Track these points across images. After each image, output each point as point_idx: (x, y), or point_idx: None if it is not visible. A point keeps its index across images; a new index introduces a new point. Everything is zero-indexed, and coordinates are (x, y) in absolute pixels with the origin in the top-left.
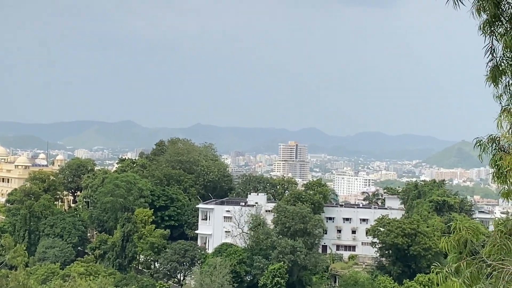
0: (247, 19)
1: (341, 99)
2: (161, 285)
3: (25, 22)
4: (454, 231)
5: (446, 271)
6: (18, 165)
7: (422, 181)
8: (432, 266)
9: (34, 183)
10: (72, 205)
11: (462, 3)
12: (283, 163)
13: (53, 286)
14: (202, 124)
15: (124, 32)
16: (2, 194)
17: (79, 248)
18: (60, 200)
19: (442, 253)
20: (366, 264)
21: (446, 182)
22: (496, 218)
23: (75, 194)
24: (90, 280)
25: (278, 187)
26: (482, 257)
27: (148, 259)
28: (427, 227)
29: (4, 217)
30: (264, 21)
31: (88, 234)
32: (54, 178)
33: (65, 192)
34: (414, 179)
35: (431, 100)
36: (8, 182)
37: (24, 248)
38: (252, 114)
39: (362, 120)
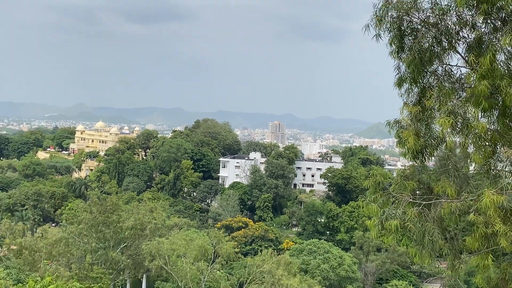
0: (245, 42)
1: (307, 97)
2: (197, 206)
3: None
4: (372, 176)
5: (368, 200)
6: (111, 133)
7: (354, 146)
8: (359, 197)
9: (121, 144)
10: (144, 157)
11: (381, 38)
12: (271, 134)
13: (132, 205)
14: (223, 110)
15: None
16: (102, 151)
17: (148, 183)
18: (137, 155)
19: (366, 190)
20: (319, 195)
21: (369, 147)
22: (398, 169)
23: (146, 151)
24: (155, 202)
25: (267, 148)
26: (390, 192)
27: (190, 190)
28: (357, 174)
29: (103, 164)
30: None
31: (154, 175)
32: (133, 141)
33: (140, 150)
34: (349, 145)
35: (363, 97)
36: (105, 143)
37: (115, 182)
38: (253, 104)
39: (319, 108)
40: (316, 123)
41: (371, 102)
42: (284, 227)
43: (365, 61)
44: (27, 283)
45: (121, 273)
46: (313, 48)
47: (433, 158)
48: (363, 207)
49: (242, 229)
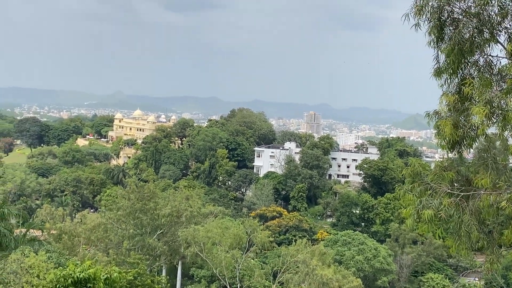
0: (279, 31)
1: (343, 86)
2: (232, 195)
3: None
4: (410, 166)
5: (405, 189)
6: (148, 122)
7: (391, 137)
8: (396, 186)
9: (158, 132)
10: (180, 146)
11: (420, 28)
12: (306, 124)
13: (168, 193)
14: (258, 100)
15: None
16: (139, 139)
17: (184, 171)
18: (173, 143)
19: (402, 181)
20: (355, 186)
21: (406, 138)
22: (436, 160)
23: (182, 139)
24: (191, 190)
25: (302, 139)
26: (427, 182)
27: (224, 179)
28: (393, 165)
29: (141, 152)
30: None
31: (190, 163)
32: (170, 130)
33: (176, 138)
34: (386, 136)
35: (400, 87)
36: (142, 131)
37: (152, 170)
38: (288, 94)
39: (355, 99)
40: (352, 113)
41: (409, 92)
42: (319, 218)
43: (404, 51)
44: (67, 266)
45: (157, 259)
46: (349, 37)
47: (471, 150)
48: (400, 196)
49: (276, 219)
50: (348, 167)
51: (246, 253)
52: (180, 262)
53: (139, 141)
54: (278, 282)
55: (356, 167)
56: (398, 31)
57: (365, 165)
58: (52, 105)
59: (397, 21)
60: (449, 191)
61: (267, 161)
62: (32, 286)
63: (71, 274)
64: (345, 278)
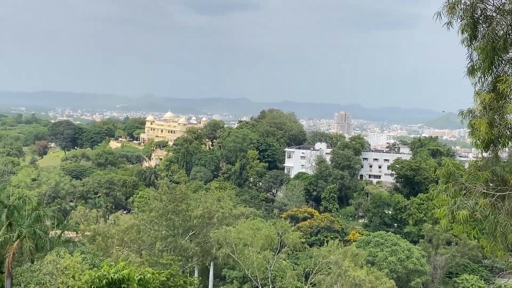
0: (309, 31)
1: (374, 87)
2: (263, 196)
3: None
4: (444, 166)
5: (439, 189)
6: (179, 123)
7: (423, 137)
8: (430, 186)
9: (189, 134)
10: (211, 147)
11: (452, 26)
12: (336, 125)
13: (200, 194)
14: (288, 100)
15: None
16: (171, 140)
17: (215, 172)
18: (204, 144)
19: (435, 181)
20: (387, 186)
21: (438, 137)
22: (471, 160)
23: (213, 141)
24: (222, 191)
25: (333, 139)
26: (462, 182)
27: (255, 180)
28: (426, 165)
29: (172, 154)
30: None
31: (220, 165)
32: (201, 131)
33: (207, 140)
34: (418, 136)
35: (433, 86)
36: (174, 133)
37: (184, 172)
38: (318, 94)
39: (386, 98)
40: (383, 113)
41: (441, 91)
42: (350, 219)
43: (436, 49)
44: (102, 267)
45: (190, 260)
46: (379, 36)
47: (507, 149)
48: (433, 196)
49: (308, 220)
50: (379, 167)
51: (277, 254)
52: (212, 263)
53: (171, 143)
54: (310, 283)
55: (388, 167)
56: (431, 30)
57: (397, 165)
58: (85, 108)
59: (429, 19)
60: (484, 191)
61: (297, 162)
62: (68, 286)
63: (105, 275)
64: (378, 279)
